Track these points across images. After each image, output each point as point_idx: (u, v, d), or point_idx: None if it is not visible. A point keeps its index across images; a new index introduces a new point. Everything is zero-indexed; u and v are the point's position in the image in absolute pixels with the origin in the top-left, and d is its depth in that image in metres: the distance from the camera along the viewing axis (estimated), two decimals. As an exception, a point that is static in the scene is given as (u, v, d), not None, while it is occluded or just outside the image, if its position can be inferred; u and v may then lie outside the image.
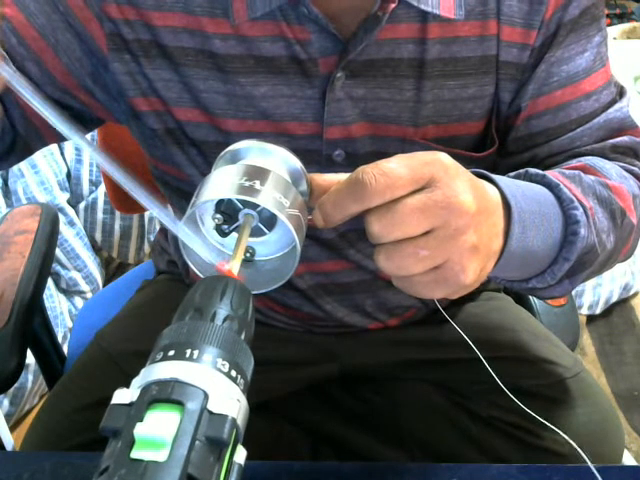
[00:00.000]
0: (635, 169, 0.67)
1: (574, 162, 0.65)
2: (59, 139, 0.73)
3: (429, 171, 0.44)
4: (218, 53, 0.63)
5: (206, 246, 0.47)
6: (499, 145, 0.69)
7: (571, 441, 0.56)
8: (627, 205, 0.61)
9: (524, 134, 0.68)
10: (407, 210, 0.43)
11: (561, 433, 0.58)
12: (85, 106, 0.69)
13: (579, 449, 0.54)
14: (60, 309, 1.59)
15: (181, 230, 0.42)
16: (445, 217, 0.43)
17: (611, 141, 0.67)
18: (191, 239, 0.42)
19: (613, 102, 0.68)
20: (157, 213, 0.41)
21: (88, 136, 1.22)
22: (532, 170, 0.58)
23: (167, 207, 0.83)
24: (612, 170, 0.63)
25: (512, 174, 0.58)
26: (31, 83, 0.64)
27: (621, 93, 0.70)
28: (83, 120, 0.72)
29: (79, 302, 1.67)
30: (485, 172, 0.52)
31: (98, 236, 1.77)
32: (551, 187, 0.56)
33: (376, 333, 0.80)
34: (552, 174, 0.57)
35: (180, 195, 0.74)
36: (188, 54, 0.63)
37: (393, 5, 0.60)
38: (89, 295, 1.68)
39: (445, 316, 0.62)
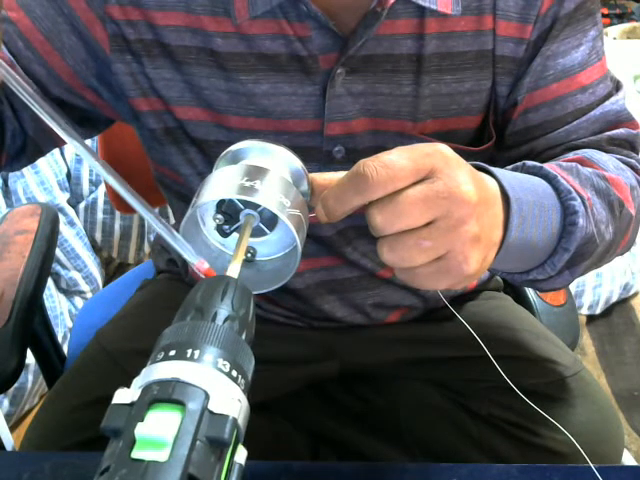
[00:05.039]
0: (632, 161, 0.67)
1: (571, 155, 0.65)
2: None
3: (430, 162, 0.44)
4: (219, 51, 0.63)
5: (205, 247, 0.47)
6: (497, 139, 0.69)
7: (573, 440, 0.56)
8: (625, 196, 0.62)
9: (521, 127, 0.68)
10: (409, 201, 0.43)
11: (565, 431, 0.58)
12: (93, 106, 0.70)
13: (580, 448, 0.54)
14: (60, 309, 1.59)
15: (178, 240, 0.42)
16: (447, 207, 0.43)
17: (607, 133, 0.68)
18: (186, 246, 0.42)
19: (609, 95, 0.69)
20: (149, 218, 0.41)
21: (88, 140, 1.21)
22: (529, 162, 0.58)
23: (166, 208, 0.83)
24: (609, 162, 0.64)
25: (509, 167, 0.59)
26: (32, 85, 0.65)
27: (617, 87, 0.71)
28: (92, 121, 0.73)
29: (79, 302, 1.67)
30: (483, 164, 0.52)
31: (98, 236, 1.77)
32: (548, 179, 0.56)
33: (376, 330, 0.80)
34: (549, 166, 0.58)
35: (179, 198, 0.75)
36: (190, 52, 0.64)
37: (392, 0, 0.60)
38: (89, 295, 1.68)
39: (452, 311, 0.62)
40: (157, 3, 0.62)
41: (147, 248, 1.83)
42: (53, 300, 1.58)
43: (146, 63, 0.65)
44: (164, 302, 0.84)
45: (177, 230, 0.43)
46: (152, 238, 1.81)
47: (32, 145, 0.70)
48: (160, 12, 0.63)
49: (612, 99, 0.69)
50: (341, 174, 0.46)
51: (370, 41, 0.62)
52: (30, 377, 1.46)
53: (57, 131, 0.42)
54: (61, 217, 1.63)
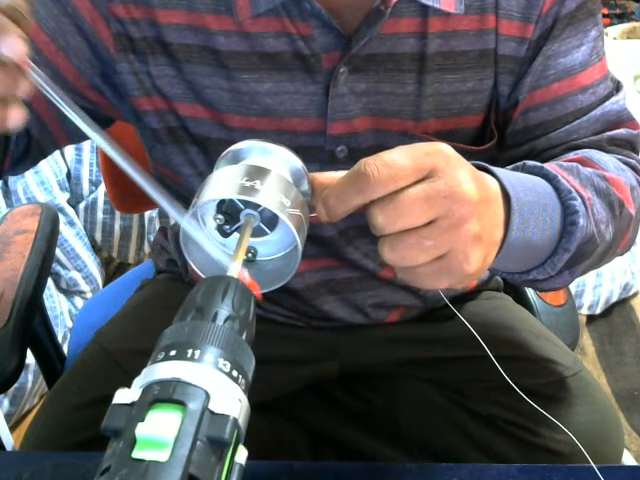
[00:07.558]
0: (632, 161, 0.68)
1: (571, 155, 0.65)
2: (70, 141, 0.74)
3: (431, 161, 0.44)
4: (221, 50, 0.63)
5: (209, 245, 0.47)
6: (498, 138, 0.69)
7: (575, 439, 0.56)
8: (625, 197, 0.62)
9: (522, 127, 0.69)
10: (410, 200, 0.43)
11: (567, 431, 0.58)
12: (96, 105, 0.70)
13: (582, 448, 0.54)
14: (60, 309, 1.59)
15: (188, 223, 0.42)
16: (448, 206, 0.44)
17: (608, 133, 0.68)
18: (196, 232, 0.42)
19: (610, 95, 0.69)
20: (166, 206, 0.41)
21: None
22: (529, 162, 0.58)
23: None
24: (609, 162, 0.64)
25: (510, 166, 0.59)
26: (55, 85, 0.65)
27: (617, 87, 0.71)
28: (94, 120, 0.72)
29: (79, 302, 1.67)
30: (484, 164, 0.52)
31: (98, 236, 1.77)
32: (549, 178, 0.56)
33: (376, 330, 0.80)
34: (550, 166, 0.58)
35: (179, 199, 0.75)
36: (192, 51, 0.64)
37: None
38: (89, 295, 1.68)
39: (453, 310, 0.62)
40: (159, 1, 0.62)
41: (147, 248, 1.83)
42: (53, 300, 1.58)
43: (150, 61, 0.65)
44: (164, 302, 0.84)
45: (178, 230, 0.43)
46: (152, 238, 1.82)
47: (36, 147, 0.71)
48: (163, 10, 0.63)
49: (613, 99, 0.69)
50: (342, 173, 0.46)
51: (373, 40, 0.62)
52: (30, 377, 1.46)
53: (83, 129, 0.43)
54: (61, 217, 1.63)
